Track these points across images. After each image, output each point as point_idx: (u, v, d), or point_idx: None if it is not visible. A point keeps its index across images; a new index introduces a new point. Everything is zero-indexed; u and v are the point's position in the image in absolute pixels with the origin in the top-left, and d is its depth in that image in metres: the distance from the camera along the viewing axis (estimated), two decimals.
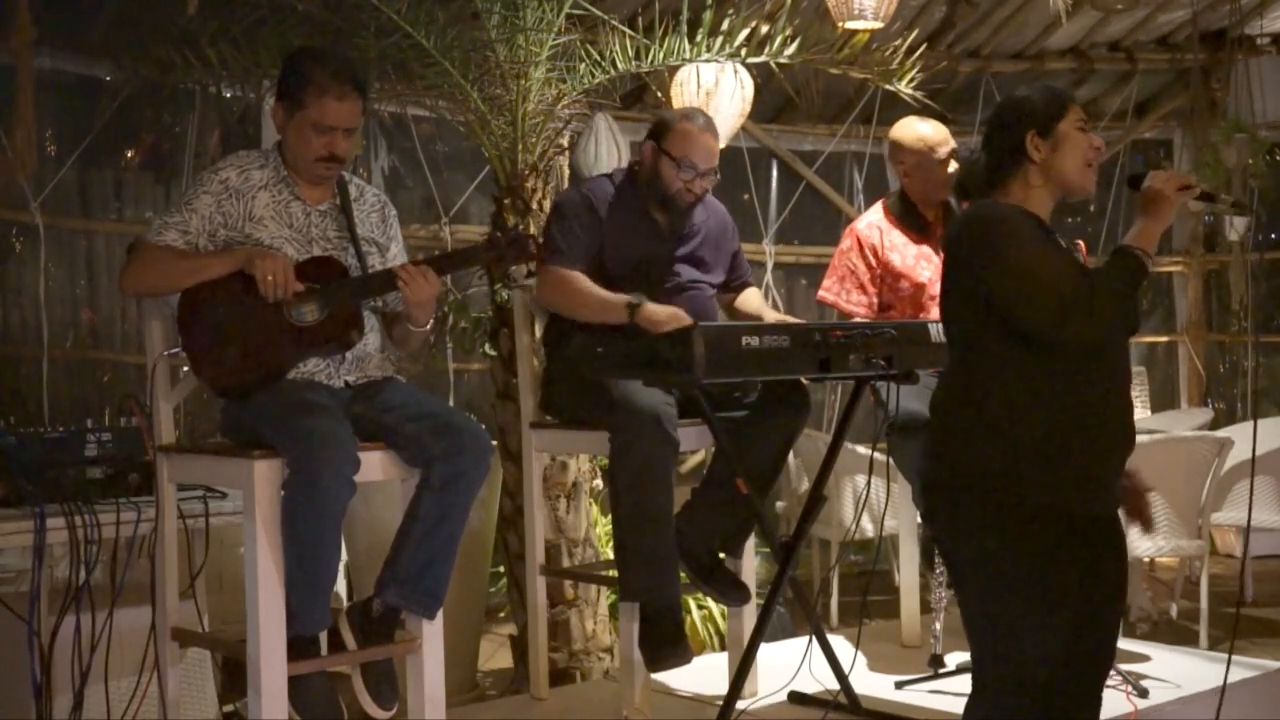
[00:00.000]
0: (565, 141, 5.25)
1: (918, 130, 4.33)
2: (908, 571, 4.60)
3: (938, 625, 4.13)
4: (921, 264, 4.29)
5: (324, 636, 3.12)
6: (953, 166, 4.26)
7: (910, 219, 4.36)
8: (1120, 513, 2.79)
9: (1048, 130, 2.75)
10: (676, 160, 3.76)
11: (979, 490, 2.66)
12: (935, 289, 4.06)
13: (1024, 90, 2.83)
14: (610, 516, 3.66)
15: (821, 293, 4.44)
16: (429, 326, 3.38)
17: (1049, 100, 2.78)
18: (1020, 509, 2.63)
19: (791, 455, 4.42)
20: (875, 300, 4.33)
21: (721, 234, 3.99)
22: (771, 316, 3.94)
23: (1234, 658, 3.14)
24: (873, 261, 4.32)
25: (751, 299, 4.06)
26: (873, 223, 4.38)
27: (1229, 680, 3.13)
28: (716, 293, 3.98)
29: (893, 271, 4.30)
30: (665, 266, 3.83)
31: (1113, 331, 2.66)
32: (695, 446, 3.97)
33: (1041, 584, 2.63)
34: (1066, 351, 2.64)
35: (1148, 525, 2.96)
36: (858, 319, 4.31)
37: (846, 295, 4.35)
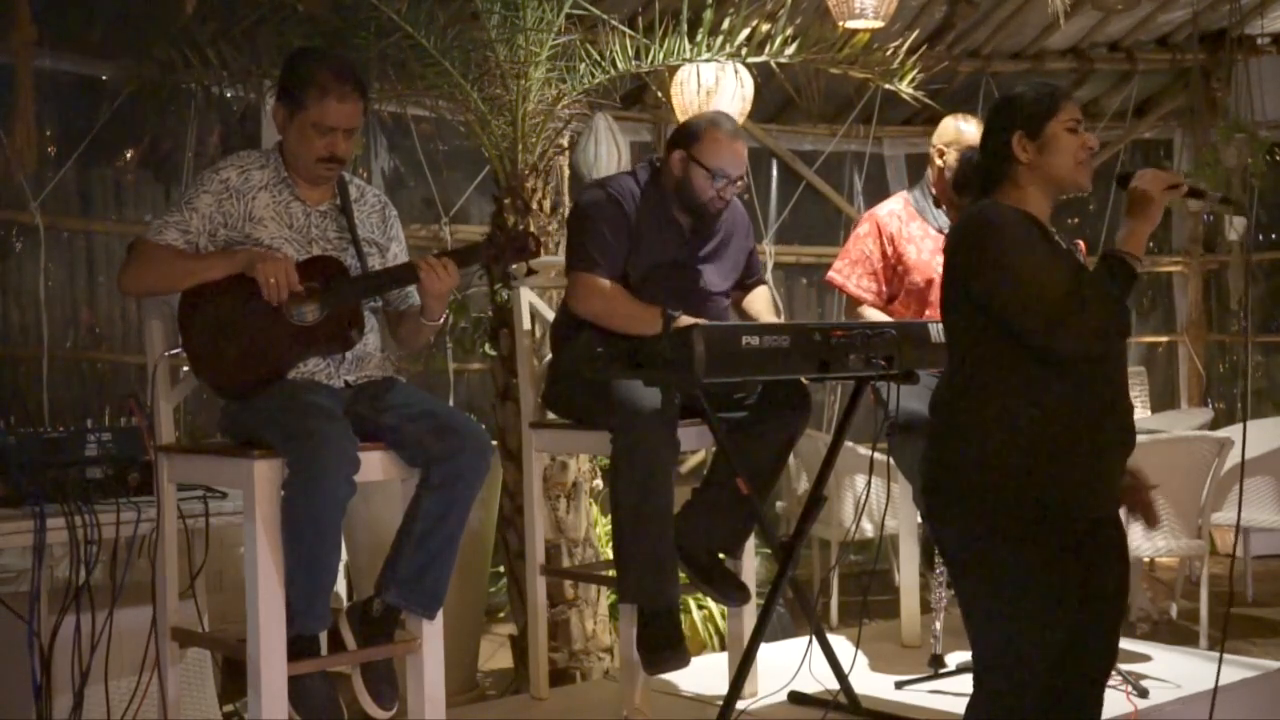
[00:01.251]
0: (565, 141, 5.25)
1: (957, 127, 4.31)
2: (908, 571, 4.60)
3: (938, 625, 4.13)
4: (937, 260, 4.25)
5: (324, 636, 3.12)
6: None
7: (932, 214, 4.34)
8: (1122, 512, 2.78)
9: (1036, 131, 2.70)
10: (710, 170, 3.70)
11: (979, 491, 2.66)
12: None
13: (1019, 88, 2.77)
14: (610, 517, 3.66)
15: (831, 273, 4.40)
16: (439, 321, 3.38)
17: (1039, 100, 2.72)
18: (1021, 509, 2.63)
19: (791, 455, 4.41)
20: (884, 289, 4.31)
21: (741, 232, 3.97)
22: (769, 320, 3.92)
23: (1234, 658, 3.14)
24: (888, 250, 4.30)
25: (757, 299, 4.02)
26: (894, 211, 4.36)
27: (1228, 681, 3.13)
28: (731, 292, 3.96)
29: (905, 264, 4.27)
30: (688, 271, 3.81)
31: (1105, 340, 2.64)
32: (695, 446, 3.96)
33: (1042, 584, 2.63)
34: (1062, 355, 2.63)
35: (1153, 521, 2.92)
36: (863, 305, 4.30)
37: (856, 280, 4.32)
